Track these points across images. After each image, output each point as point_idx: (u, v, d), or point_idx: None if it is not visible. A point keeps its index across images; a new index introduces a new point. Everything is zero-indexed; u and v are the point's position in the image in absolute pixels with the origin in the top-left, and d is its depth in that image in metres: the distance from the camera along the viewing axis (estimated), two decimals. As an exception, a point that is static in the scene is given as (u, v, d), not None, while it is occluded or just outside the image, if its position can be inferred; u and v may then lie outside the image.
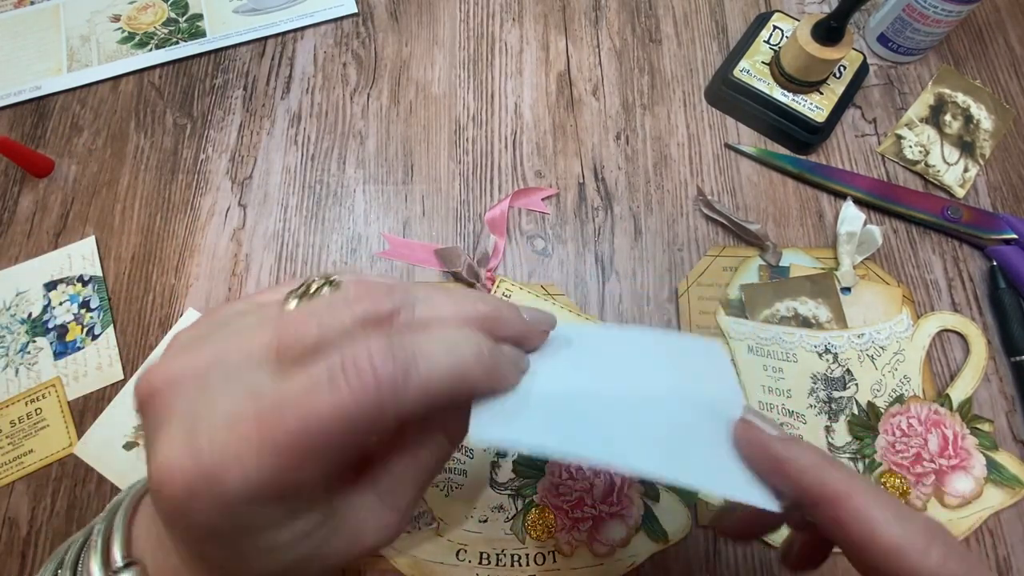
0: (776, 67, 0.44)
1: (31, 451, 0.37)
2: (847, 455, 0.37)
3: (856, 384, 0.38)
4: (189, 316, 0.40)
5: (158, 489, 0.16)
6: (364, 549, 0.19)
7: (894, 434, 0.37)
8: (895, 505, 0.19)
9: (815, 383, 0.38)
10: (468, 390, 0.18)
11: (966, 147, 0.45)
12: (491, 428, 0.19)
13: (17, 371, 0.39)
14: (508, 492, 0.36)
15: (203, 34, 0.48)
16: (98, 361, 0.39)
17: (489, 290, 0.40)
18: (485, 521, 0.36)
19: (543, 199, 0.43)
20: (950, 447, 0.37)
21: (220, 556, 0.17)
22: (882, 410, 0.38)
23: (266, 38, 0.48)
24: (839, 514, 0.19)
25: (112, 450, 0.37)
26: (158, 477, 0.16)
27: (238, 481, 0.15)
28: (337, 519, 0.19)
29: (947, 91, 0.46)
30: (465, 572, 0.35)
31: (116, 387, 0.39)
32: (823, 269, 0.41)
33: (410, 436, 0.20)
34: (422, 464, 0.20)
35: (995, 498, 0.36)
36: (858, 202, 0.42)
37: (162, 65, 0.48)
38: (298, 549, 0.18)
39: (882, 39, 0.47)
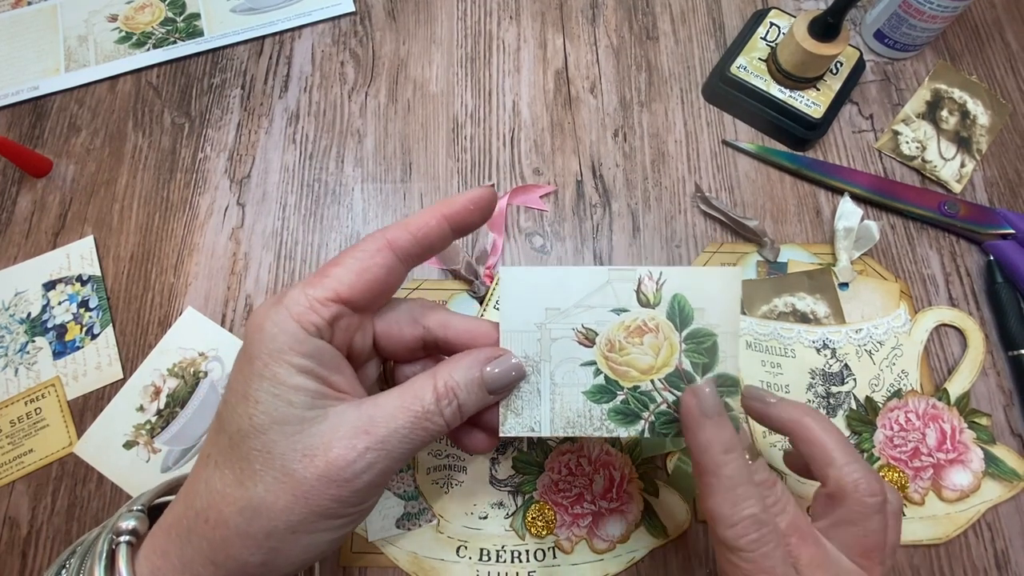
0: (773, 63, 0.44)
1: (31, 451, 0.37)
2: (845, 450, 0.37)
3: (854, 379, 0.39)
4: (188, 315, 0.40)
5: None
6: (328, 463, 0.22)
7: (892, 428, 0.37)
8: (841, 438, 0.27)
9: (813, 378, 0.39)
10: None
11: (963, 142, 0.45)
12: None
13: (17, 371, 0.39)
14: (508, 488, 0.37)
15: (200, 33, 0.48)
16: (97, 360, 0.39)
17: (488, 287, 0.40)
18: (485, 518, 0.36)
19: (541, 196, 0.43)
20: (948, 441, 0.37)
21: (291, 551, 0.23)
22: (880, 405, 0.38)
23: (264, 37, 0.48)
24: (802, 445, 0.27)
25: (112, 449, 0.37)
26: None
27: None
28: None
29: (943, 87, 0.46)
30: (465, 568, 0.35)
31: (116, 386, 0.39)
32: (821, 265, 0.41)
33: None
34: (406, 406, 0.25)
35: (993, 491, 0.36)
36: (855, 198, 0.42)
37: (160, 65, 0.48)
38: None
39: (879, 35, 0.47)
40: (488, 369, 0.25)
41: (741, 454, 0.24)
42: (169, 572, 0.23)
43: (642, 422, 0.26)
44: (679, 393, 0.26)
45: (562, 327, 0.27)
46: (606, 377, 0.26)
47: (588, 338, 0.27)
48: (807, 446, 0.26)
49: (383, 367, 0.29)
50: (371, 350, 0.28)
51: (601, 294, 0.27)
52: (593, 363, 0.26)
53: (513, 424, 0.27)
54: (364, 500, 0.24)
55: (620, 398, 0.26)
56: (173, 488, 0.28)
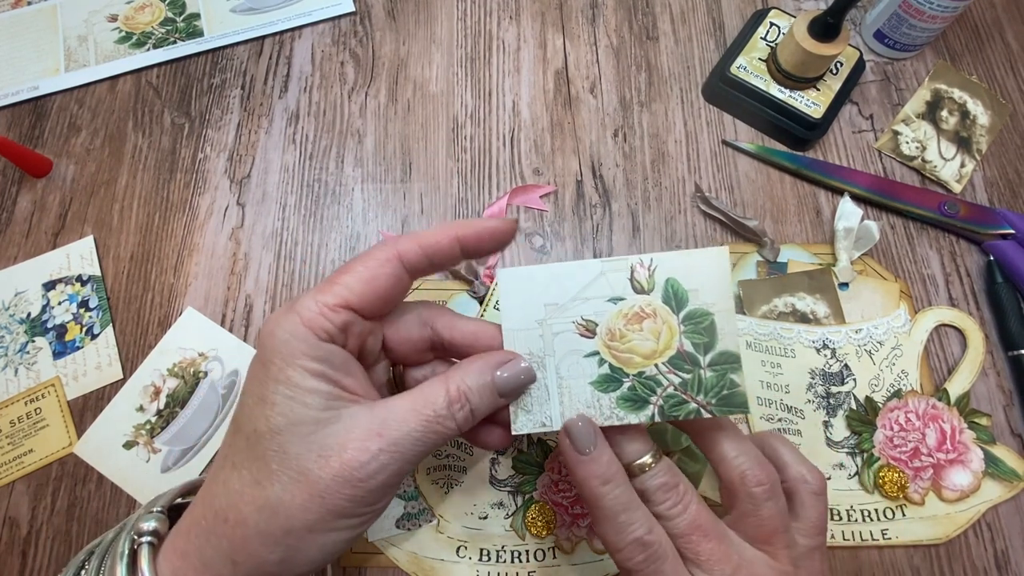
0: (773, 63, 0.44)
1: (31, 451, 0.37)
2: (845, 450, 0.37)
3: (854, 379, 0.39)
4: (188, 315, 0.40)
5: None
6: (342, 463, 0.23)
7: (892, 428, 0.37)
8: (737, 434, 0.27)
9: (813, 378, 0.39)
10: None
11: (963, 143, 0.45)
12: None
13: (16, 371, 0.39)
14: (508, 489, 0.37)
15: (200, 33, 0.48)
16: (97, 360, 0.39)
17: (488, 287, 0.40)
18: (485, 518, 0.36)
19: (541, 197, 0.43)
20: (948, 441, 0.37)
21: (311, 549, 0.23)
22: (880, 405, 0.38)
23: (264, 37, 0.48)
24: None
25: (112, 449, 0.37)
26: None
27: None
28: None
29: (943, 87, 0.46)
30: (465, 568, 0.35)
31: (115, 386, 0.39)
32: (821, 265, 0.41)
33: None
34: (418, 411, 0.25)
35: (993, 492, 0.36)
36: (855, 198, 0.42)
37: (160, 65, 0.48)
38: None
39: (878, 35, 0.47)
40: (499, 373, 0.26)
41: (621, 482, 0.25)
42: (189, 572, 0.23)
43: (651, 407, 0.27)
44: (685, 375, 0.26)
45: (562, 321, 0.27)
46: (611, 366, 0.27)
47: (589, 329, 0.27)
48: (702, 442, 0.28)
49: (392, 370, 0.30)
50: (380, 352, 0.28)
51: (596, 285, 0.27)
52: (596, 353, 0.27)
53: (524, 422, 0.27)
54: (378, 500, 0.24)
55: (627, 385, 0.27)
56: (190, 490, 0.28)
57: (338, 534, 0.24)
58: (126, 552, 0.24)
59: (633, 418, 0.26)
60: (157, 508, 0.26)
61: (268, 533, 0.23)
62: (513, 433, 0.27)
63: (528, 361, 0.27)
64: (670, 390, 0.27)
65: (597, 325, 0.27)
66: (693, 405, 0.26)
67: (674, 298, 0.27)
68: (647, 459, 0.26)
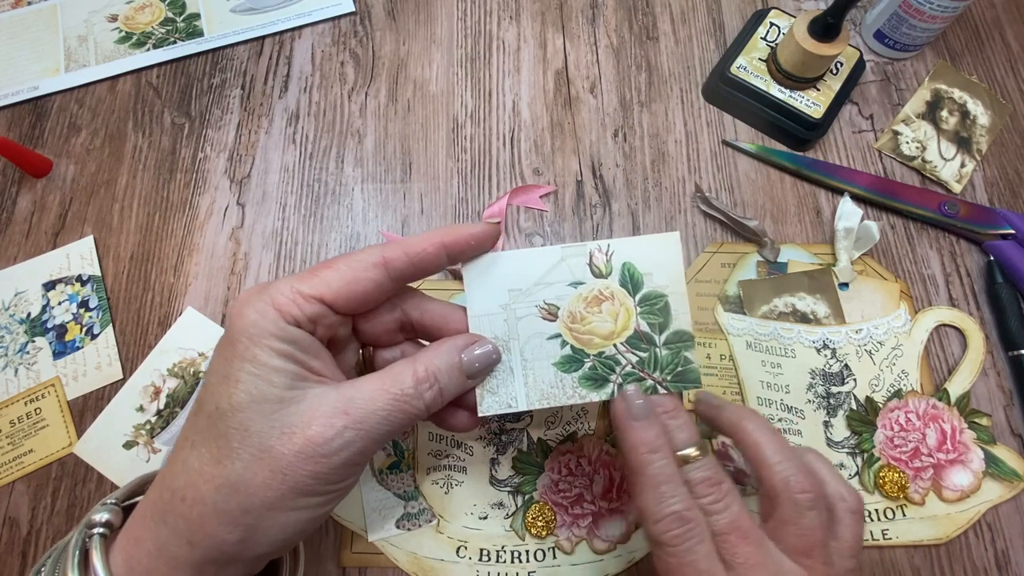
0: (773, 64, 0.44)
1: (31, 451, 0.37)
2: (846, 450, 0.37)
3: (854, 379, 0.38)
4: (188, 315, 0.40)
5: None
6: (306, 439, 0.23)
7: (892, 429, 0.37)
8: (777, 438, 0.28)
9: (813, 378, 0.39)
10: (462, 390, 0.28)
11: (963, 143, 0.45)
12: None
13: (16, 371, 0.39)
14: (508, 489, 0.37)
15: (200, 33, 0.48)
16: (97, 360, 0.39)
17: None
18: (485, 518, 0.36)
19: (541, 196, 0.43)
20: (948, 441, 0.37)
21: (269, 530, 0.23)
22: (880, 405, 0.38)
23: (264, 37, 0.48)
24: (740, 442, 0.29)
25: (112, 449, 0.37)
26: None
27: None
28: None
29: (943, 87, 0.46)
30: (465, 568, 0.35)
31: (115, 386, 0.39)
32: (821, 265, 0.41)
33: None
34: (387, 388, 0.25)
35: (993, 492, 0.36)
36: (856, 198, 0.42)
37: (160, 65, 0.48)
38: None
39: (879, 35, 0.47)
40: (464, 356, 0.27)
41: (667, 454, 0.26)
42: (143, 557, 0.23)
43: (611, 385, 0.28)
44: (642, 354, 0.28)
45: (526, 305, 0.28)
46: (572, 347, 0.28)
47: (551, 312, 0.28)
48: (745, 448, 0.28)
49: (362, 354, 0.30)
50: (350, 335, 0.28)
51: (558, 270, 0.28)
52: (559, 335, 0.28)
53: (491, 403, 0.28)
54: (342, 478, 0.24)
55: (588, 365, 0.28)
56: (146, 483, 0.28)
57: (299, 513, 0.23)
58: (77, 544, 0.23)
59: (595, 396, 0.28)
60: (111, 501, 0.26)
61: (226, 512, 0.22)
62: (480, 415, 0.28)
63: (496, 345, 0.28)
64: (628, 368, 0.28)
65: (559, 308, 0.28)
66: (650, 382, 0.28)
67: (630, 281, 0.28)
68: (693, 451, 0.26)
